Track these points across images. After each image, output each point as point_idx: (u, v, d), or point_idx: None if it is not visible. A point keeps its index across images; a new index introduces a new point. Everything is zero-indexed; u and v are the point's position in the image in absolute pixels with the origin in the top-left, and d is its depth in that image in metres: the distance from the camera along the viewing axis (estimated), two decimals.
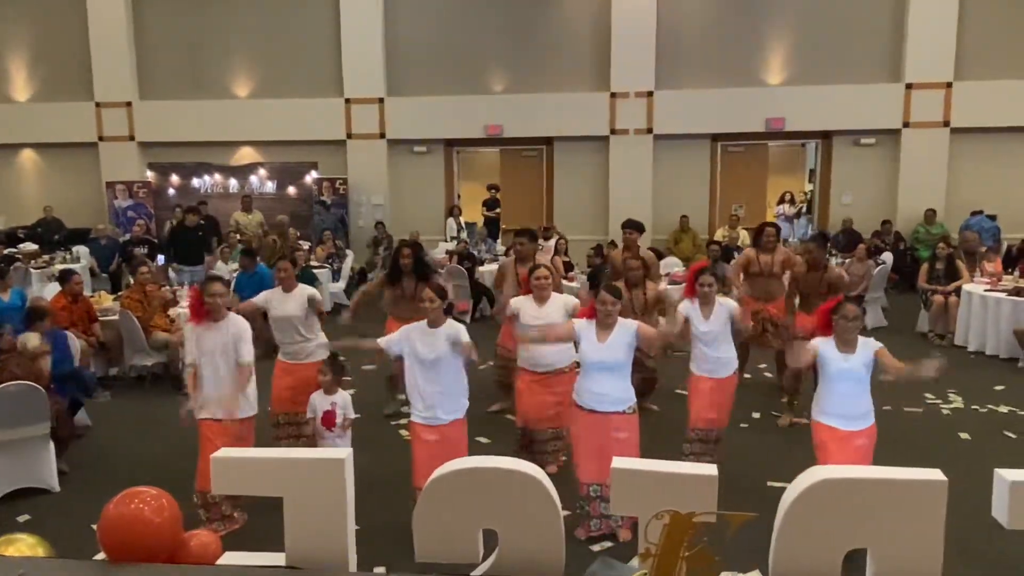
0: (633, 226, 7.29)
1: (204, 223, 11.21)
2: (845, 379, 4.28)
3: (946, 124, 12.88)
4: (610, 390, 4.42)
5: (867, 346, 4.32)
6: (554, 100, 13.54)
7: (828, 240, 7.02)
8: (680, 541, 1.54)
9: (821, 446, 4.40)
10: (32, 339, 5.68)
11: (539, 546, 1.84)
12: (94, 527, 2.06)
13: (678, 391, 7.13)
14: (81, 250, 12.32)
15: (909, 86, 12.84)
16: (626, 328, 4.44)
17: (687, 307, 5.24)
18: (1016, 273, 9.37)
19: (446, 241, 13.42)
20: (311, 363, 5.50)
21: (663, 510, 1.56)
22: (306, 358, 5.55)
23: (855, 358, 4.28)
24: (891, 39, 12.96)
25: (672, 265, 10.82)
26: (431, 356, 4.41)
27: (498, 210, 14.84)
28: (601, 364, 4.40)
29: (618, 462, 1.85)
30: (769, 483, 5.26)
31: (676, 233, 12.87)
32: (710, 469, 1.79)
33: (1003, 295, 8.54)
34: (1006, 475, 1.72)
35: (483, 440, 6.13)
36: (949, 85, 12.75)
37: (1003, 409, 6.84)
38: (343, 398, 5.11)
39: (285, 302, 5.60)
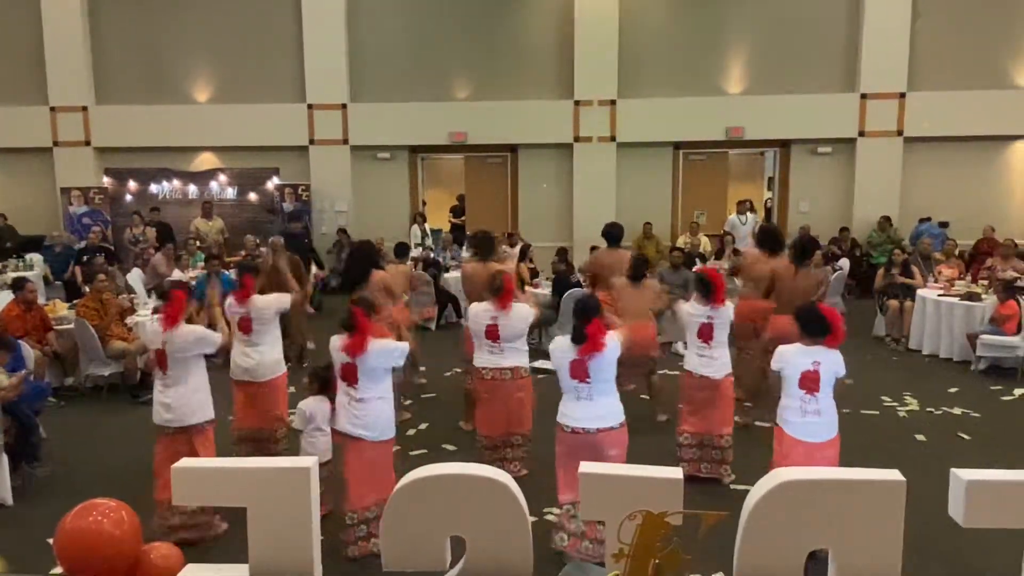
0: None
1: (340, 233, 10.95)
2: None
3: (900, 133, 13.21)
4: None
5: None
6: (518, 107, 13.59)
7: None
8: (653, 541, 1.56)
9: (782, 456, 4.47)
10: (1, 376, 5.49)
11: (507, 552, 1.84)
12: (50, 541, 2.01)
13: (643, 396, 7.21)
14: (35, 258, 12.01)
15: (864, 96, 13.15)
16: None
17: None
18: (968, 278, 9.63)
19: (411, 248, 13.35)
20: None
21: (636, 511, 1.57)
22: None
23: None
24: (846, 50, 13.28)
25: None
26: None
27: (464, 217, 14.83)
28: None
29: (585, 467, 1.86)
30: (732, 486, 5.34)
31: (639, 240, 12.98)
32: (676, 472, 1.80)
33: (956, 300, 8.77)
34: (962, 475, 1.77)
35: (449, 447, 6.12)
36: (902, 95, 13.09)
37: (957, 411, 7.02)
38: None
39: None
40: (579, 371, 4.30)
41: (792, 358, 4.41)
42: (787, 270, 6.45)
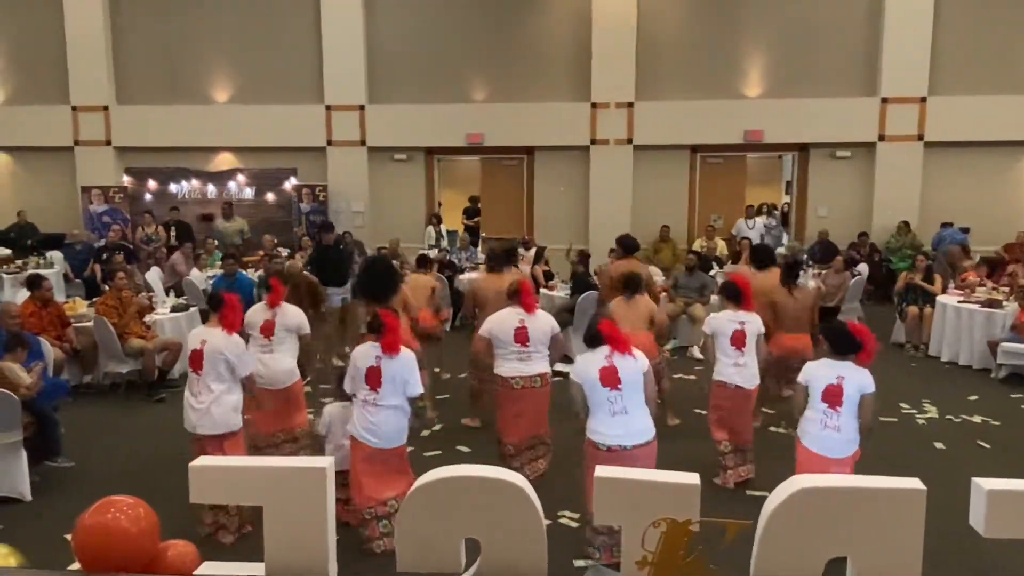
0: (616, 242, 7.52)
1: (344, 236, 10.84)
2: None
3: (920, 138, 13.09)
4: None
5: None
6: (535, 110, 13.59)
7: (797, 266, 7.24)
8: (678, 549, 1.55)
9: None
10: (20, 374, 5.54)
11: (521, 556, 1.83)
12: (67, 537, 2.02)
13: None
14: (55, 255, 12.15)
15: (884, 100, 13.04)
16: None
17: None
18: (989, 285, 9.52)
19: (426, 249, 13.37)
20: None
21: (660, 518, 1.56)
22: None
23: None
24: (867, 54, 13.17)
25: (652, 275, 10.85)
26: None
27: (477, 219, 14.82)
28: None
29: (600, 471, 1.85)
30: (748, 492, 5.31)
31: (656, 243, 12.94)
32: (692, 477, 1.79)
33: (976, 306, 8.67)
34: (983, 484, 1.74)
35: (463, 449, 6.12)
36: (923, 100, 12.97)
37: (976, 419, 6.94)
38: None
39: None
40: (611, 378, 4.23)
41: (817, 371, 4.39)
42: (781, 289, 6.47)
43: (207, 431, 4.66)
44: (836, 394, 4.28)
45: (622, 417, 4.22)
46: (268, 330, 5.44)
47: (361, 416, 4.47)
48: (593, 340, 4.36)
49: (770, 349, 5.99)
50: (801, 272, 8.03)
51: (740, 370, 5.40)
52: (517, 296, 5.47)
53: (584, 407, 4.34)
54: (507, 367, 5.41)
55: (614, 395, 4.22)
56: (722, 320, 5.51)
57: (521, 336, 5.37)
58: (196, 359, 4.68)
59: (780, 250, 11.33)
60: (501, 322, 5.45)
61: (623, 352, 4.28)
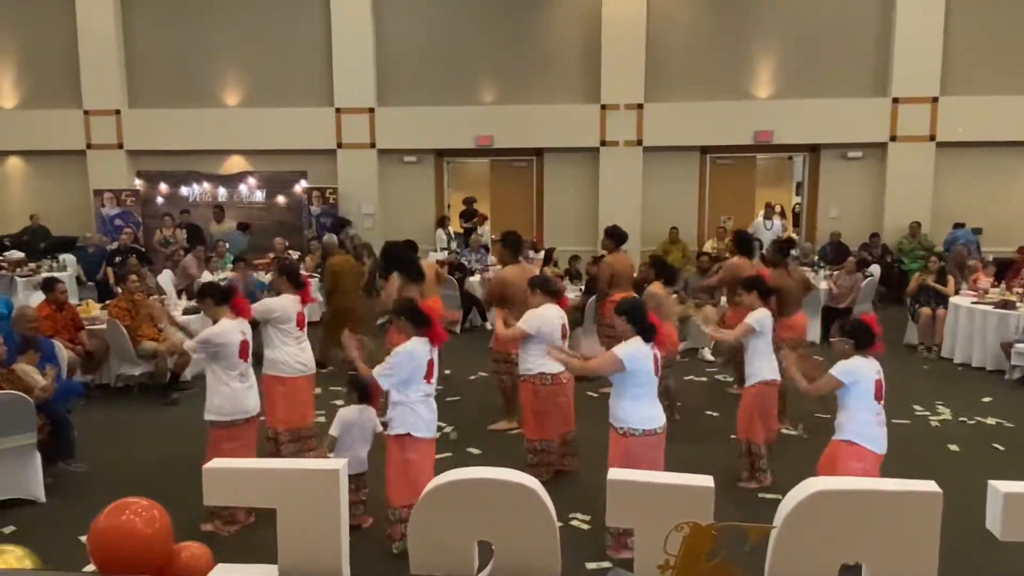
0: (607, 235, 7.54)
1: (353, 237, 11.35)
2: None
3: (932, 138, 13.01)
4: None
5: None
6: (544, 111, 13.59)
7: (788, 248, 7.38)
8: (700, 553, 1.54)
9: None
10: (36, 376, 5.59)
11: (534, 558, 1.83)
12: (82, 538, 2.04)
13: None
14: (68, 258, 12.22)
15: (896, 100, 12.97)
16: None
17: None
18: (1003, 286, 9.45)
19: (436, 251, 13.39)
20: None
21: (683, 522, 1.56)
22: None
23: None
24: (878, 54, 13.11)
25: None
26: None
27: (475, 219, 14.64)
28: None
29: (614, 473, 1.84)
30: (761, 495, 5.28)
31: (665, 244, 12.91)
32: (707, 480, 1.78)
33: (990, 308, 8.61)
34: (1000, 487, 1.73)
35: (474, 451, 6.12)
36: (935, 100, 12.89)
37: (991, 421, 6.88)
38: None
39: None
40: (656, 366, 4.45)
41: (865, 370, 4.31)
42: (777, 273, 6.54)
43: (258, 409, 5.03)
44: (880, 388, 4.32)
45: (656, 401, 4.51)
46: (301, 322, 5.66)
47: (427, 409, 4.45)
48: (647, 333, 4.42)
49: (780, 334, 5.96)
50: (792, 252, 8.23)
51: (777, 366, 5.41)
52: (557, 295, 5.59)
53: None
54: (551, 363, 5.25)
55: (655, 381, 4.46)
56: (759, 319, 5.42)
57: (564, 333, 5.49)
58: (245, 349, 4.93)
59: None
60: (550, 319, 5.43)
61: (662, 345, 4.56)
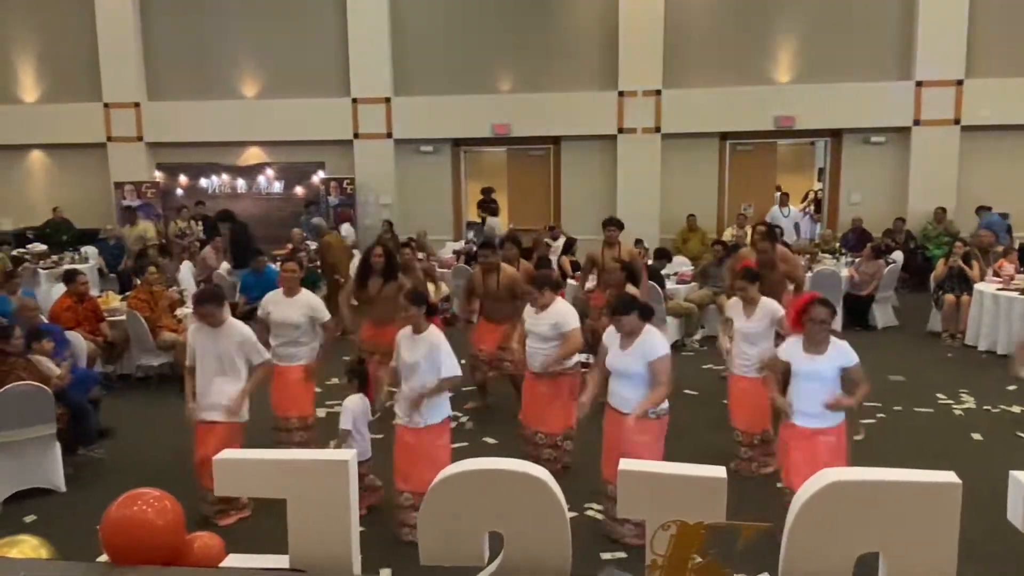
0: (613, 224, 7.43)
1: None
2: (810, 379, 4.28)
3: (957, 122, 12.77)
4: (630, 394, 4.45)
5: (841, 355, 4.30)
6: (561, 99, 13.50)
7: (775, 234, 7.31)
8: (688, 552, 1.51)
9: (781, 445, 4.54)
10: (50, 365, 5.65)
11: (545, 549, 1.81)
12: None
13: (687, 391, 7.12)
14: (90, 250, 12.36)
15: (919, 84, 12.74)
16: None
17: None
18: None
19: (453, 241, 13.39)
20: (296, 366, 5.56)
21: (670, 520, 1.53)
22: (291, 361, 5.57)
23: (823, 360, 4.27)
24: (901, 36, 12.87)
25: (680, 264, 10.77)
26: (411, 360, 4.51)
27: (493, 208, 14.64)
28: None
29: (625, 463, 1.82)
30: (779, 484, 5.22)
31: (684, 232, 12.81)
32: (719, 471, 1.75)
33: (1016, 294, 8.46)
34: (1022, 477, 1.69)
35: (490, 440, 6.12)
36: (960, 83, 12.65)
37: (1015, 409, 6.77)
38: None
39: (287, 307, 5.57)
40: None
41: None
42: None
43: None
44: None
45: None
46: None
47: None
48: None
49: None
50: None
51: None
52: (560, 285, 5.87)
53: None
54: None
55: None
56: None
57: None
58: None
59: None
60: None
61: None
